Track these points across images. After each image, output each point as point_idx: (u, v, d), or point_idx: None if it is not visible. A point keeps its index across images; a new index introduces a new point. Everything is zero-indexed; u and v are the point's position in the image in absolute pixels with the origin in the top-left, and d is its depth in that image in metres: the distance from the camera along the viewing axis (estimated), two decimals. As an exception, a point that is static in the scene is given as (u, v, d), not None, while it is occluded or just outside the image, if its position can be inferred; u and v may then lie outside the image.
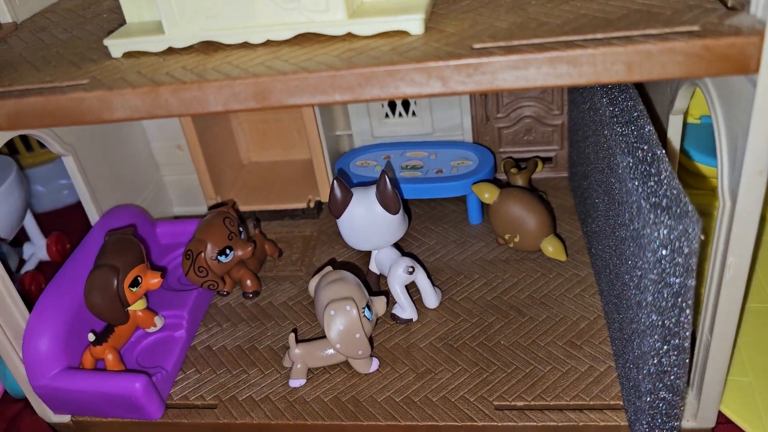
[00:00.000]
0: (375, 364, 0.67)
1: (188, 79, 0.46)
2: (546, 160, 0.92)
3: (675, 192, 0.47)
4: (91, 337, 0.66)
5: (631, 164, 0.51)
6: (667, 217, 0.44)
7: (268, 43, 0.49)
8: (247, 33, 0.49)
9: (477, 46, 0.44)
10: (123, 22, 0.56)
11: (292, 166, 1.00)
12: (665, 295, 0.47)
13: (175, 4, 0.49)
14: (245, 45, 0.50)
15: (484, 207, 0.87)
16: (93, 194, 0.79)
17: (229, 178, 0.98)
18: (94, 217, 0.80)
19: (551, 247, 0.76)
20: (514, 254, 0.80)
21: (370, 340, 0.68)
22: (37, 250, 0.96)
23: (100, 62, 0.52)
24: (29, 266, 0.94)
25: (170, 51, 0.51)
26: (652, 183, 0.48)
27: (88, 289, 0.66)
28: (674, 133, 0.64)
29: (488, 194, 0.77)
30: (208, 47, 0.51)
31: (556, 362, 0.65)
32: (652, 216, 0.45)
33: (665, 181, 0.48)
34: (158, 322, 0.72)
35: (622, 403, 0.60)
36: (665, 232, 0.44)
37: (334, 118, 0.95)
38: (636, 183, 0.49)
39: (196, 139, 0.89)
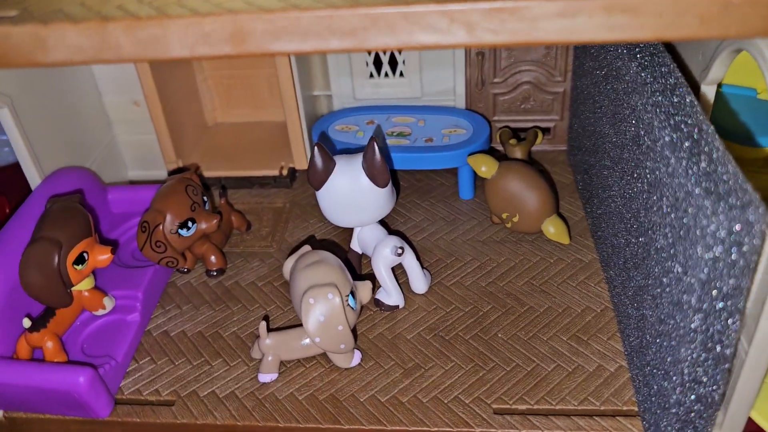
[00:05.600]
0: (357, 357, 0.59)
1: (145, 13, 0.36)
2: (544, 131, 0.84)
3: (733, 176, 0.39)
4: (27, 322, 0.57)
5: (675, 140, 0.43)
6: (726, 206, 0.37)
7: (246, -25, 0.40)
8: (221, -39, 0.39)
9: (513, -14, 0.35)
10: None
11: (263, 129, 0.91)
12: (713, 297, 0.40)
13: None
14: (218, -24, 0.40)
15: (477, 181, 0.79)
16: (33, 154, 0.68)
17: (192, 140, 0.88)
18: (35, 180, 0.69)
19: (553, 229, 0.68)
20: (509, 235, 0.72)
21: (354, 331, 0.60)
22: (-30, 214, 0.85)
23: (34, -9, 0.42)
24: (-39, 232, 0.83)
25: (123, -20, 0.41)
26: (704, 164, 0.40)
27: (23, 266, 0.56)
28: (705, 107, 0.57)
29: (486, 167, 0.69)
30: (171, -23, 0.41)
31: (561, 360, 0.58)
32: (708, 204, 0.37)
33: (718, 163, 0.40)
34: (108, 303, 0.63)
35: (637, 409, 0.54)
36: (725, 224, 0.37)
37: (312, 76, 0.85)
38: (684, 163, 0.41)
39: (156, 93, 0.79)
